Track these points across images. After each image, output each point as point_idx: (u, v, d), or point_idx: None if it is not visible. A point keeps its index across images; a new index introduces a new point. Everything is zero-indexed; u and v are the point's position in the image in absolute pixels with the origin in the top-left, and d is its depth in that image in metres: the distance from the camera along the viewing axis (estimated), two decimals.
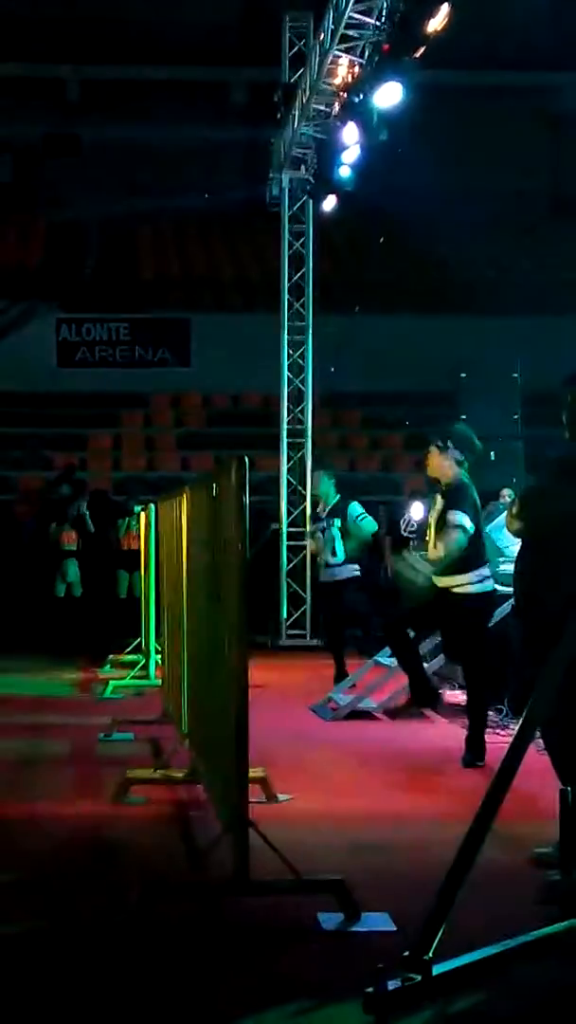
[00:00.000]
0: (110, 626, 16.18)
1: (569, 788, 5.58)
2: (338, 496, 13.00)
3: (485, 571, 9.23)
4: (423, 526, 13.98)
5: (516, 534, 7.27)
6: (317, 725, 11.22)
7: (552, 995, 4.74)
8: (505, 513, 10.37)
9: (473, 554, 9.13)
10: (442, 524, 9.09)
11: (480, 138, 30.40)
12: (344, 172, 15.73)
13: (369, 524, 12.99)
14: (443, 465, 9.29)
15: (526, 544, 7.10)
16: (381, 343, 24.31)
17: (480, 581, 9.15)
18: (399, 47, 12.40)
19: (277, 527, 18.14)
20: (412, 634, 9.53)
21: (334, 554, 12.84)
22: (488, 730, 9.26)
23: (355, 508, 12.93)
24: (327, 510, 13.03)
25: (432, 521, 9.35)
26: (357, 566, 12.98)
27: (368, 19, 13.06)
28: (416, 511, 14.95)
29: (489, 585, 9.25)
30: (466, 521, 8.98)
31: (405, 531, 14.72)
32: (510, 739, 5.02)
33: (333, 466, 14.55)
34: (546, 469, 7.20)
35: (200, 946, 5.31)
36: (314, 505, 13.63)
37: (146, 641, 13.39)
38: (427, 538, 9.47)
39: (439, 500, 9.30)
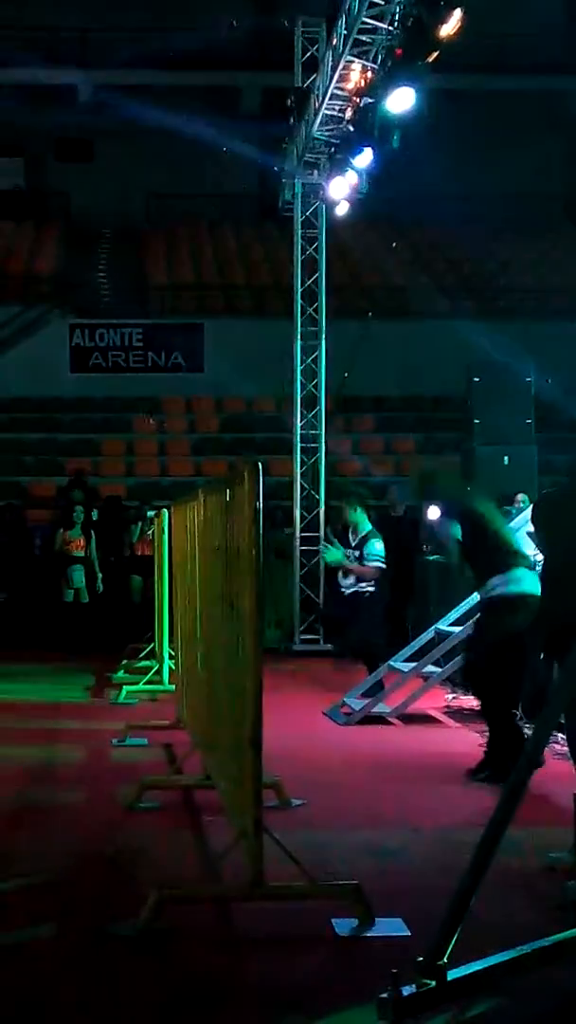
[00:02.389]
0: (124, 631, 16.17)
1: None
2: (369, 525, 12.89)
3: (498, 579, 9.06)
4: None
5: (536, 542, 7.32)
6: (331, 730, 11.21)
7: (567, 1001, 4.73)
8: (519, 517, 10.41)
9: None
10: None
11: (493, 142, 30.42)
12: (357, 177, 15.72)
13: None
14: None
15: (543, 549, 7.12)
16: (394, 348, 24.32)
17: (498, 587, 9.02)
18: (412, 52, 12.37)
19: (291, 531, 18.14)
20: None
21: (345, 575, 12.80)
22: None
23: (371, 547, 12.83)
24: (358, 539, 12.88)
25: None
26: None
27: (381, 24, 13.05)
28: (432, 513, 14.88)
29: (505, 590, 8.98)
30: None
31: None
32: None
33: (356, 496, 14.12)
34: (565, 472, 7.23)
35: (214, 951, 5.31)
36: (345, 530, 13.49)
37: (160, 646, 13.40)
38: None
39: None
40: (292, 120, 17.58)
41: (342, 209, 17.23)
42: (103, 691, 13.58)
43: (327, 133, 16.20)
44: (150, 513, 16.66)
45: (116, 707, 12.41)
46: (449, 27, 11.68)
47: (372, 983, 4.46)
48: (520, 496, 15.09)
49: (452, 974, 4.36)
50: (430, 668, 11.51)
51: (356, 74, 14.21)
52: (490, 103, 30.45)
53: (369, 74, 13.89)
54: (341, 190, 16.44)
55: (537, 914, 5.47)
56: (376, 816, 7.84)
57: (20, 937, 5.55)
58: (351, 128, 14.88)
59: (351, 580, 12.73)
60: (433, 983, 4.32)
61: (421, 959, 4.37)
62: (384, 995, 4.23)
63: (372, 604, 13.00)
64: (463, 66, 23.10)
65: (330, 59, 14.86)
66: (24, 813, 7.97)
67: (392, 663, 12.05)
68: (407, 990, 4.26)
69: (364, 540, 12.48)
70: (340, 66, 14.21)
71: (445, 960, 4.35)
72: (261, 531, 5.56)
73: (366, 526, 12.68)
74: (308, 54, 17.48)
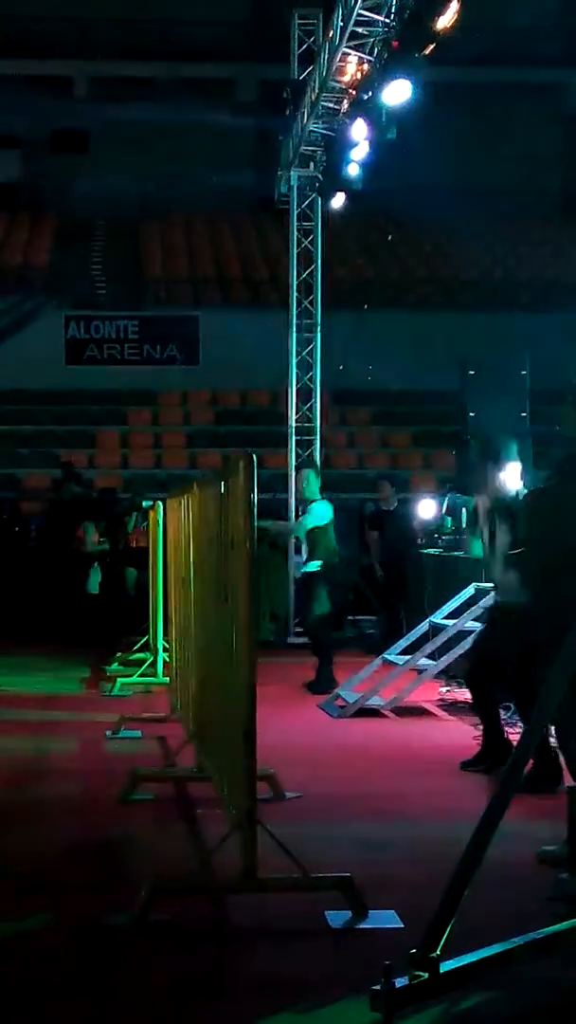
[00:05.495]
0: (118, 623, 16.16)
1: None
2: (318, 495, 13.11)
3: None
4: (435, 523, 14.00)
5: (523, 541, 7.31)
6: (325, 722, 11.21)
7: (559, 993, 4.74)
8: None
9: None
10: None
11: (491, 136, 30.40)
12: (353, 169, 15.69)
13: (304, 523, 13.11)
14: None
15: (533, 547, 7.12)
16: (389, 340, 24.30)
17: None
18: (409, 44, 12.36)
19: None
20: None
21: (298, 552, 12.92)
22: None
23: (316, 508, 13.05)
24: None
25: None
26: (318, 562, 13.00)
27: (378, 16, 13.03)
28: (426, 509, 14.96)
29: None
30: None
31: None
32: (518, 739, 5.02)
33: (317, 465, 14.33)
34: (552, 470, 7.18)
35: (207, 943, 5.32)
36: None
37: (154, 639, 13.39)
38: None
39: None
40: (288, 112, 17.58)
41: (338, 202, 17.21)
42: (97, 683, 13.57)
43: (323, 126, 16.18)
44: (145, 504, 16.64)
45: (110, 699, 12.40)
46: (446, 19, 11.66)
47: (365, 975, 4.47)
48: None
49: (445, 966, 4.37)
50: (424, 661, 11.51)
51: (352, 66, 14.19)
52: (487, 96, 30.43)
53: (365, 66, 13.87)
54: (337, 183, 16.41)
55: (530, 907, 5.48)
56: (370, 808, 7.85)
57: (14, 929, 5.55)
58: (347, 121, 14.86)
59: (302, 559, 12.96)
60: (426, 975, 4.33)
61: (414, 951, 4.38)
62: (377, 987, 4.24)
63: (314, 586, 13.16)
64: (460, 59, 23.07)
65: (326, 51, 14.84)
66: (17, 805, 7.97)
67: (386, 656, 12.06)
68: (400, 982, 4.27)
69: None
70: (336, 58, 14.19)
71: (438, 952, 4.36)
72: (255, 523, 5.56)
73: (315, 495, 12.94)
74: (304, 46, 17.48)
